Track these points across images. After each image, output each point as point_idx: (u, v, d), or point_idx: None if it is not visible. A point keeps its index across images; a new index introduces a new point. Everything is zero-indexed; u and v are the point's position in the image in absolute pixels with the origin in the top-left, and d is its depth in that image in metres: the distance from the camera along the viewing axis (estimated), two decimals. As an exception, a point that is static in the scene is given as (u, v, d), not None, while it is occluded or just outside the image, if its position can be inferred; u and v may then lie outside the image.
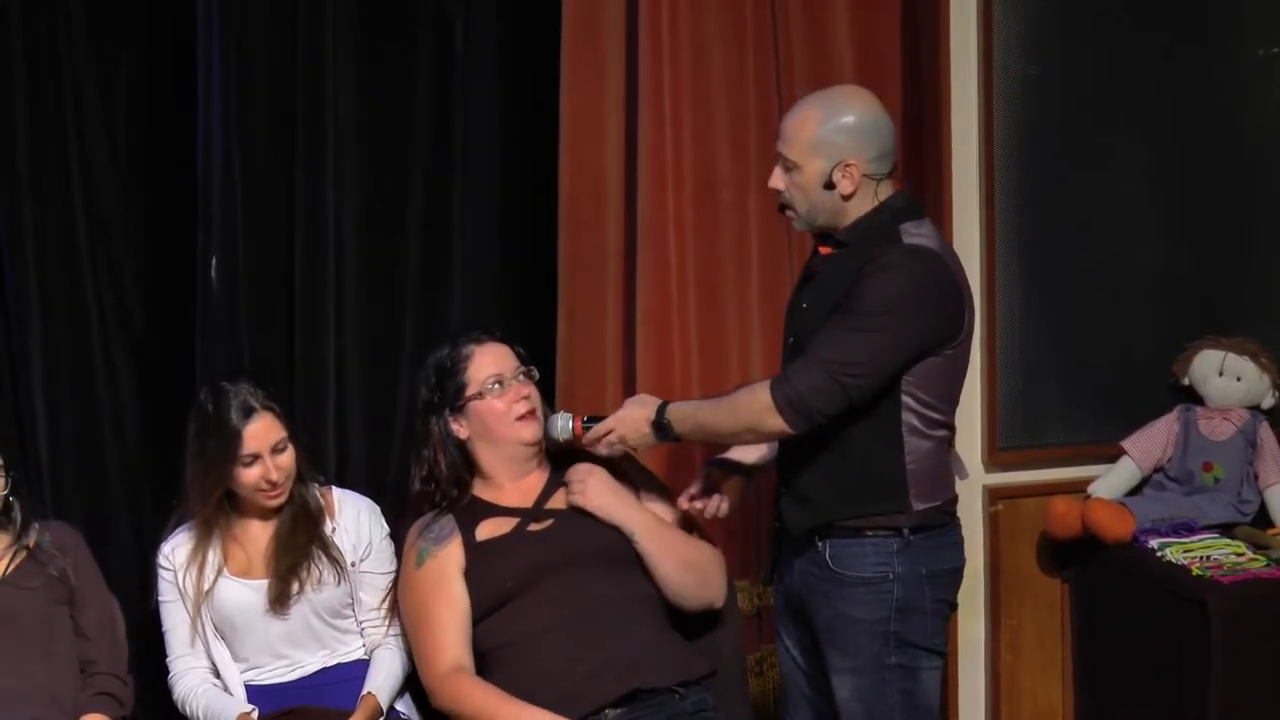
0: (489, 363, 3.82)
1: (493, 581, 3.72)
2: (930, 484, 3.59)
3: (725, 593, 3.88)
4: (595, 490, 3.79)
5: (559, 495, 3.85)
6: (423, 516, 3.86)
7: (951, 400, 3.62)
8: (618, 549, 3.77)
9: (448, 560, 3.76)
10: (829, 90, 3.67)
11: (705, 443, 3.80)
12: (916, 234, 3.53)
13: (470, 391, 3.81)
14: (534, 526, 3.79)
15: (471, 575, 3.74)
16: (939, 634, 3.65)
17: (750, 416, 3.54)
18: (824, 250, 3.63)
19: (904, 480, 3.56)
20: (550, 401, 4.24)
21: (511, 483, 3.85)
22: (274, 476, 3.77)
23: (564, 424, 3.79)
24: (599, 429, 3.75)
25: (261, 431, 3.76)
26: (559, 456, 3.88)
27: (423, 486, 3.86)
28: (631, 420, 3.70)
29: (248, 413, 3.75)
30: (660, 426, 3.65)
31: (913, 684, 3.62)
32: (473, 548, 3.76)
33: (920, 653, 3.62)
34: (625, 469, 3.90)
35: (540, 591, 3.70)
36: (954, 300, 3.53)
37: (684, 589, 3.81)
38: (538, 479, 3.87)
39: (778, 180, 3.59)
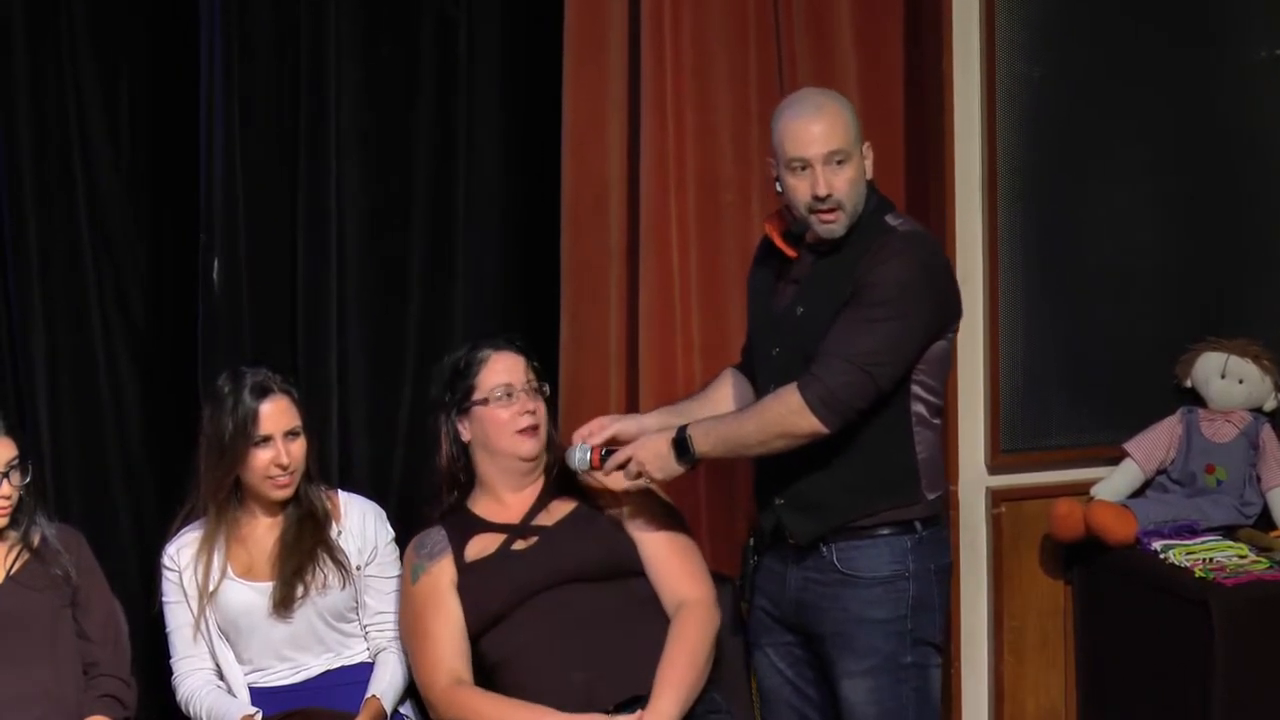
0: (501, 371, 3.81)
1: (480, 604, 3.71)
2: (936, 472, 3.63)
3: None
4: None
5: (552, 508, 3.82)
6: (420, 532, 3.85)
7: (945, 386, 3.65)
8: (608, 560, 3.75)
9: (440, 575, 3.75)
10: (813, 89, 3.72)
11: (728, 457, 3.77)
12: (901, 221, 3.57)
13: (478, 396, 3.80)
14: (519, 545, 3.77)
15: (461, 594, 3.74)
16: (943, 630, 3.68)
17: (780, 422, 3.52)
18: (791, 253, 3.61)
19: (916, 471, 3.58)
20: (555, 401, 4.24)
21: (506, 495, 3.84)
22: (284, 460, 3.76)
23: (581, 455, 3.73)
24: (618, 456, 3.68)
25: (276, 413, 3.77)
26: (564, 473, 3.85)
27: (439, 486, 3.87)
28: (650, 444, 3.65)
29: (264, 392, 3.76)
30: (680, 444, 3.60)
31: (925, 682, 3.64)
32: (462, 568, 3.76)
33: (930, 650, 3.64)
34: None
35: (528, 609, 3.69)
36: (955, 281, 3.60)
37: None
38: (532, 493, 3.85)
39: (840, 183, 3.49)
